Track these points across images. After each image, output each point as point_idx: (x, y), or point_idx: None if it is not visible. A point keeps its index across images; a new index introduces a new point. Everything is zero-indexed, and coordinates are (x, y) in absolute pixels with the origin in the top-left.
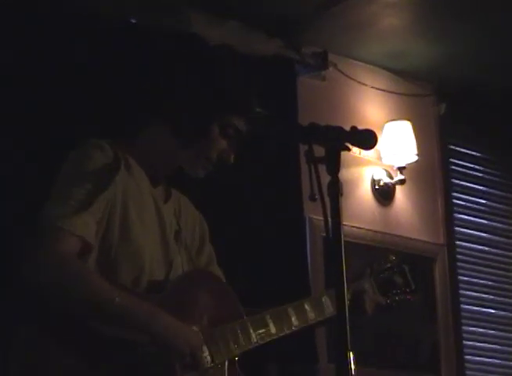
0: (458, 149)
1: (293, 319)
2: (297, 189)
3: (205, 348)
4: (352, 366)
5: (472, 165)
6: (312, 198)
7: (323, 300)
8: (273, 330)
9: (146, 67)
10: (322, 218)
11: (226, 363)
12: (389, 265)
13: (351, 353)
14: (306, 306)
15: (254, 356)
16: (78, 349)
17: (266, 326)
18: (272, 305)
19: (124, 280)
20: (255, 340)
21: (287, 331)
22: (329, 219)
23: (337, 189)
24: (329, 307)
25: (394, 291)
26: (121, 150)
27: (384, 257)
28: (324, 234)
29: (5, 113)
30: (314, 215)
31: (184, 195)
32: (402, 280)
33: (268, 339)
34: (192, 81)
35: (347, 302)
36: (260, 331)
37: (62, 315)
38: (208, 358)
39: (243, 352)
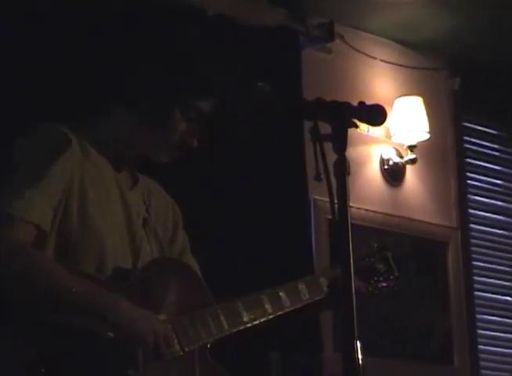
0: (472, 126)
1: (266, 306)
2: (302, 169)
3: (173, 336)
4: (359, 356)
5: (487, 143)
6: (317, 178)
7: (299, 286)
8: (246, 318)
9: (105, 49)
10: (327, 199)
11: (197, 352)
12: (370, 251)
13: (358, 342)
14: (280, 293)
15: (255, 343)
16: (36, 339)
17: (238, 313)
18: None
19: (86, 269)
20: (227, 328)
21: (262, 318)
22: (336, 201)
23: (343, 169)
24: (305, 294)
25: (376, 278)
26: (79, 136)
27: (365, 243)
28: (330, 217)
29: None
30: (319, 196)
31: (188, 178)
32: (384, 267)
33: (242, 327)
34: (153, 63)
35: (353, 288)
36: (232, 319)
37: (18, 304)
38: (177, 346)
39: (215, 340)
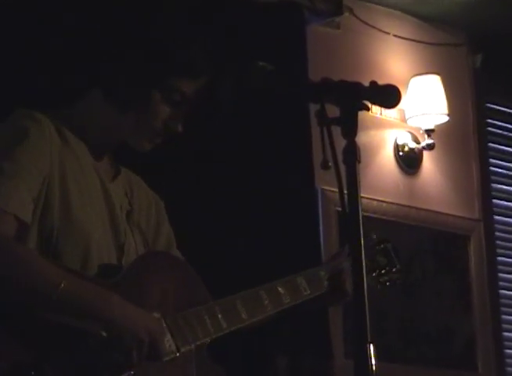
0: (496, 107)
1: (265, 302)
2: (308, 156)
3: (168, 335)
4: (373, 361)
5: None
6: (325, 166)
7: (299, 281)
8: (244, 315)
9: (80, 31)
10: (336, 189)
11: (193, 352)
12: (370, 243)
13: (371, 346)
14: (279, 288)
15: (262, 347)
16: (23, 339)
17: (236, 310)
18: None
19: (70, 265)
20: (225, 326)
21: (261, 315)
22: (345, 191)
23: (353, 156)
24: (306, 289)
25: (377, 271)
26: (56, 121)
27: (364, 235)
28: (339, 208)
29: None
30: (327, 186)
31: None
32: (385, 260)
33: (240, 325)
34: (130, 40)
35: (365, 286)
36: (230, 316)
37: (3, 303)
38: (173, 346)
39: (212, 339)
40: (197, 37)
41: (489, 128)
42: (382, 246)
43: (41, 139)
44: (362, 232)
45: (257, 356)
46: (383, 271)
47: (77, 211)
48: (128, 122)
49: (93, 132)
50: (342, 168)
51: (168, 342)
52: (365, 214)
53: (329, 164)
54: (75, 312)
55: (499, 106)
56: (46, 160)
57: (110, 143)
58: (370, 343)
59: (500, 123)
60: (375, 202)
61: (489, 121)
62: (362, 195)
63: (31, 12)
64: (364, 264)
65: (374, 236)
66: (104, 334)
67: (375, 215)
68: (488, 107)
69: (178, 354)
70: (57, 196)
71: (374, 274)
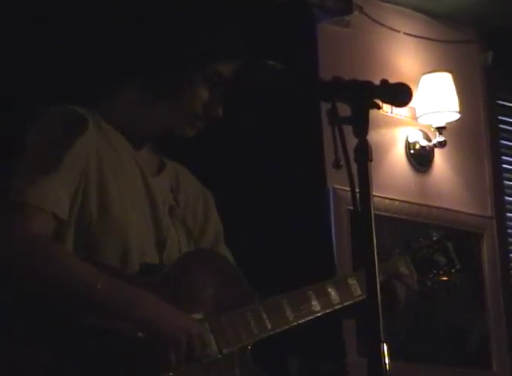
0: (507, 104)
1: (313, 303)
2: (319, 155)
3: (211, 337)
4: (386, 360)
5: None
6: (337, 165)
7: (350, 282)
8: (291, 316)
9: (116, 18)
10: (348, 188)
11: (236, 354)
12: (428, 241)
13: (384, 345)
14: (329, 289)
15: (273, 348)
16: (59, 340)
17: (283, 311)
18: (292, 288)
19: (109, 262)
20: (270, 327)
21: (308, 317)
22: (357, 190)
23: (365, 154)
24: (356, 290)
25: (436, 272)
26: (95, 115)
27: (423, 233)
28: (351, 207)
29: None
30: (339, 184)
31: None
32: (445, 259)
33: (286, 326)
34: (167, 25)
35: (378, 285)
36: (276, 317)
37: (37, 303)
38: (215, 348)
39: (256, 341)
40: (229, 23)
41: (501, 125)
42: (442, 244)
43: (78, 134)
44: (374, 230)
45: (268, 354)
46: (441, 271)
47: (115, 206)
48: (168, 108)
49: (133, 122)
50: (354, 166)
51: (210, 343)
52: (377, 212)
53: (341, 163)
54: (111, 313)
55: (511, 102)
56: (83, 155)
57: (151, 133)
58: (383, 342)
59: None
60: (387, 200)
61: (501, 117)
62: (373, 193)
63: (69, 7)
64: (376, 263)
65: (434, 234)
66: (141, 335)
67: (387, 214)
68: (500, 104)
69: (220, 356)
70: (95, 192)
71: (432, 274)
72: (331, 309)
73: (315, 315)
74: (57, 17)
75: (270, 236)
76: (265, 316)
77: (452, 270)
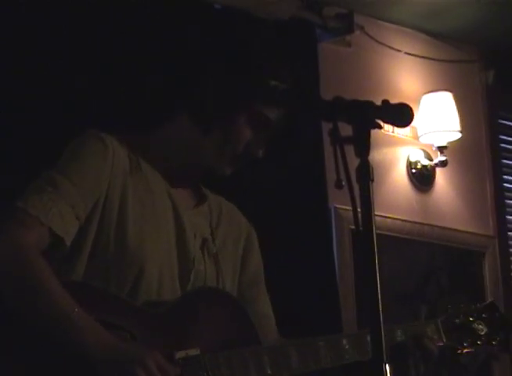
0: (509, 123)
1: (322, 353)
2: (321, 175)
3: (203, 373)
4: None
5: None
6: (338, 185)
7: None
8: (295, 363)
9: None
10: (349, 208)
11: None
12: (469, 308)
13: (387, 366)
14: (344, 342)
15: None
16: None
17: (287, 356)
18: (293, 309)
19: (116, 289)
20: (269, 372)
21: (313, 367)
22: (359, 209)
23: (367, 174)
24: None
25: (471, 340)
26: (129, 146)
27: (465, 303)
28: (353, 227)
29: (7, 100)
30: (340, 204)
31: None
32: (485, 329)
33: (289, 373)
34: (219, 65)
35: (380, 307)
36: (278, 362)
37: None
38: None
39: None
40: (285, 65)
41: (502, 145)
42: (487, 312)
43: (101, 160)
44: (376, 249)
45: None
46: (479, 341)
47: (133, 236)
48: (211, 145)
49: (171, 159)
50: (355, 186)
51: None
52: (379, 232)
53: (343, 182)
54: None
55: None
56: (103, 181)
57: (191, 170)
58: (386, 363)
59: None
60: (389, 220)
61: (502, 137)
62: (375, 213)
63: (119, 33)
64: (378, 284)
65: (478, 304)
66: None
67: (389, 233)
68: (501, 124)
69: None
70: (114, 220)
71: (467, 342)
72: (339, 363)
73: (323, 366)
74: (114, 46)
75: (272, 256)
76: (266, 359)
77: (493, 342)
